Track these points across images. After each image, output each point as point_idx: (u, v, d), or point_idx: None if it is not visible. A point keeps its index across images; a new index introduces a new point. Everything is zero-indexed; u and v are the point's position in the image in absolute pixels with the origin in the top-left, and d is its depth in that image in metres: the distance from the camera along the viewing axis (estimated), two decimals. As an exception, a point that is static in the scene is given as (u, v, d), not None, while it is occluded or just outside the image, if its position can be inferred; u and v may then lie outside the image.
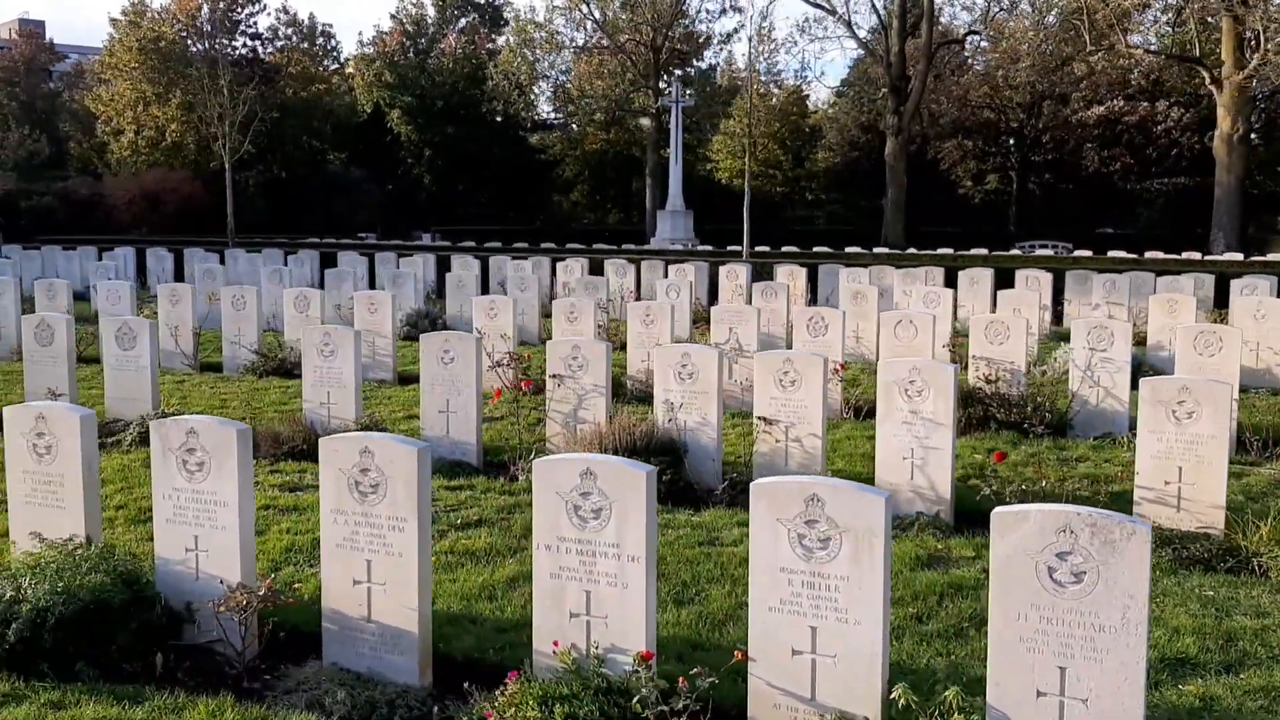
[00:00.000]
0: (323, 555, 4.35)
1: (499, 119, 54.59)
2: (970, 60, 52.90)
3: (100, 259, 20.99)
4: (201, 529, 4.52)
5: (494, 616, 4.84)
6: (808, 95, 65.72)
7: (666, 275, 17.79)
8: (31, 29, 64.92)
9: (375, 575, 4.23)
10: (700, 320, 14.09)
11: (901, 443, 6.37)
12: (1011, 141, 57.06)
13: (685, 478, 6.85)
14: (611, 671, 3.82)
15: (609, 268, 18.10)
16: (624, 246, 37.63)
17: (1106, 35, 39.97)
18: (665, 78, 50.58)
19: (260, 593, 4.24)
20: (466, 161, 51.94)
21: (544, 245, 33.39)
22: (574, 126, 57.27)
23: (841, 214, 60.76)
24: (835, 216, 60.30)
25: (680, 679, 3.55)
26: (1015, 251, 33.22)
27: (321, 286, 17.23)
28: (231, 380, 11.20)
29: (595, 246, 35.29)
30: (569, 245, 34.39)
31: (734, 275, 16.91)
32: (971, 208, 58.70)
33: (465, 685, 3.96)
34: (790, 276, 16.38)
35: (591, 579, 3.86)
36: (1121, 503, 6.17)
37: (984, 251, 31.94)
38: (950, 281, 16.59)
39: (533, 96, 55.97)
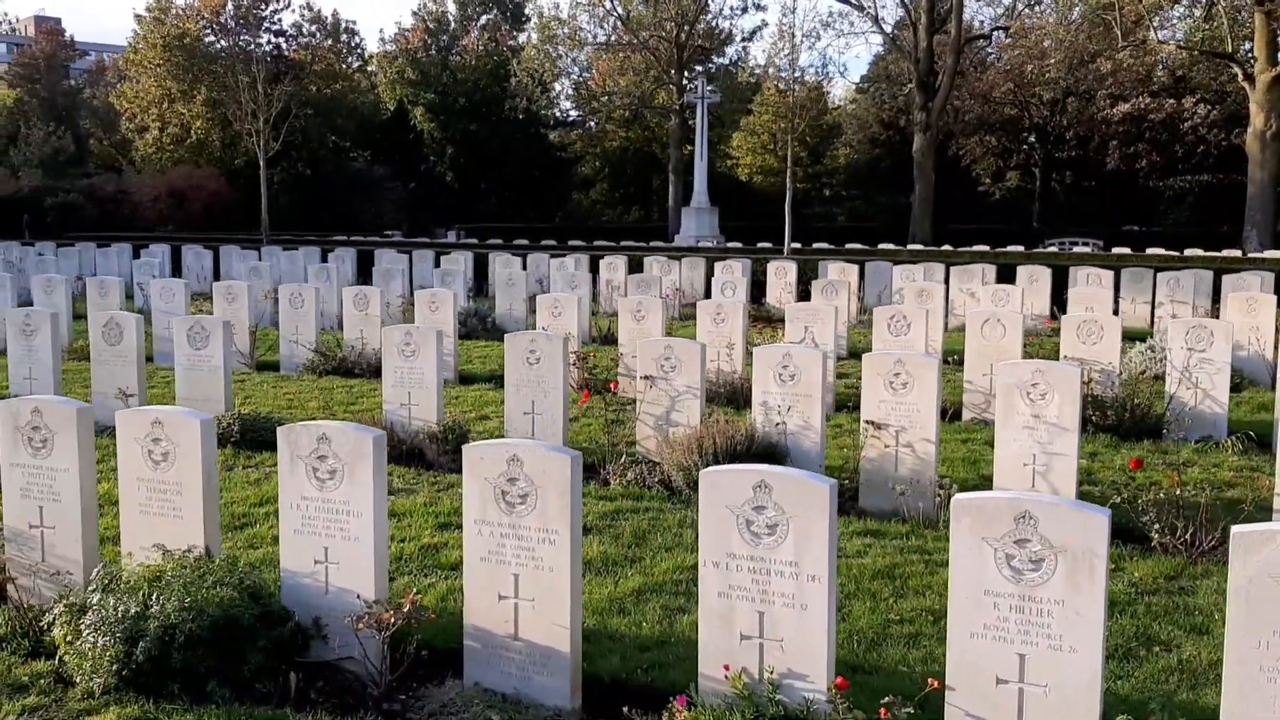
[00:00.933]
0: (465, 569, 4.13)
1: (520, 116, 54.40)
2: (994, 57, 52.41)
3: (137, 256, 20.86)
4: (332, 540, 4.31)
5: (631, 633, 4.61)
6: (828, 91, 65.43)
7: (713, 272, 17.54)
8: (51, 25, 64.97)
9: (523, 590, 4.01)
10: (758, 319, 13.85)
11: (1022, 448, 6.12)
12: (1034, 138, 56.56)
13: (787, 483, 6.60)
14: (788, 699, 3.59)
15: (653, 265, 17.86)
16: (652, 244, 37.42)
17: (1134, 31, 39.54)
18: (688, 74, 50.30)
19: (404, 609, 4.02)
20: (488, 159, 51.77)
21: (572, 243, 33.16)
22: (594, 124, 57.08)
23: (862, 210, 60.40)
24: (856, 213, 59.91)
25: (881, 710, 3.32)
26: (1054, 248, 32.83)
27: (368, 284, 17.06)
28: (291, 379, 11.00)
29: (623, 244, 35.09)
30: (597, 243, 34.17)
31: (782, 272, 16.66)
32: (990, 205, 58.27)
33: (625, 710, 3.74)
34: (842, 274, 16.11)
35: (765, 599, 3.63)
36: (1252, 513, 5.91)
37: (1021, 248, 31.58)
38: (1003, 278, 16.31)
39: (554, 93, 55.81)
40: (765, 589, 3.63)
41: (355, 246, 22.88)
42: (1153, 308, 14.90)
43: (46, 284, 12.51)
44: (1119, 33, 37.66)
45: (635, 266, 18.79)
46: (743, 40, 55.37)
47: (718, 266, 17.24)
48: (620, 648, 4.44)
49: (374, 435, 4.24)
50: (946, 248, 29.71)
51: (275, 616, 4.32)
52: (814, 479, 3.58)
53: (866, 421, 6.54)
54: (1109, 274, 15.16)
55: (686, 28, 48.69)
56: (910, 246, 31.11)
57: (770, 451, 6.70)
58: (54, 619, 4.32)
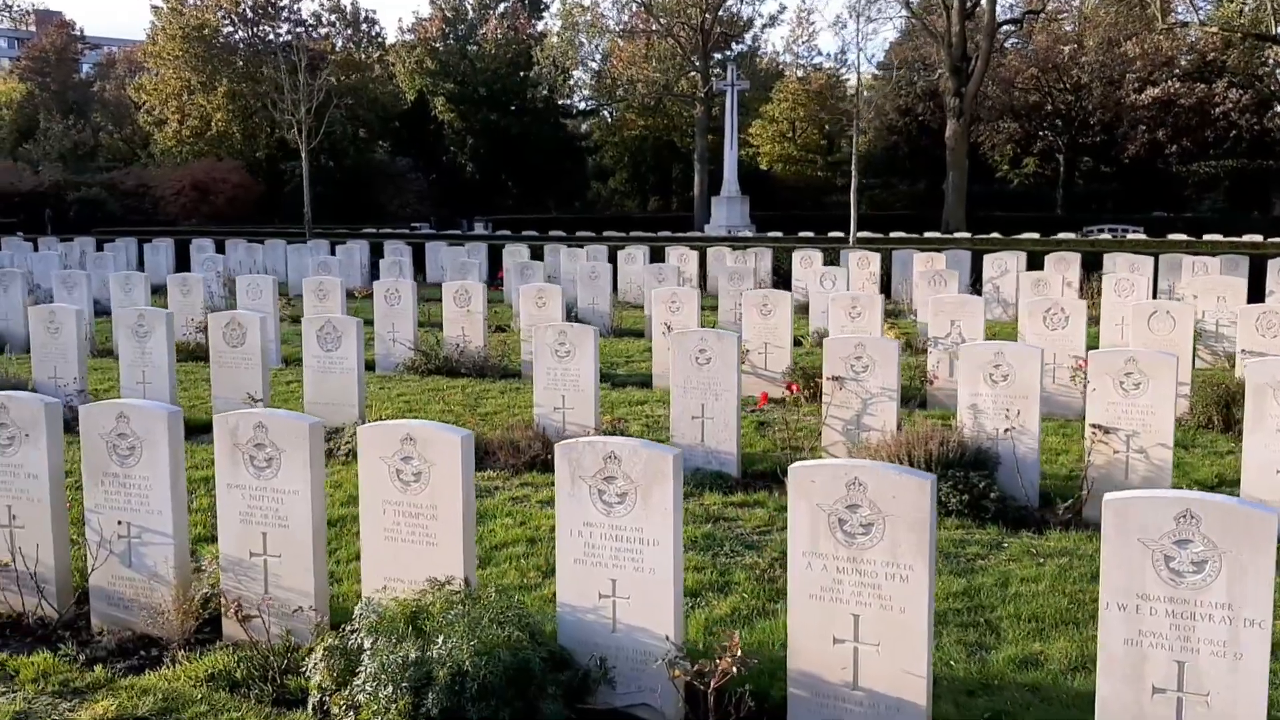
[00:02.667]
0: (791, 606, 3.64)
1: (540, 105, 53.78)
2: (1017, 44, 51.74)
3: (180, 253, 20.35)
4: (621, 571, 3.83)
5: (944, 673, 4.13)
6: (847, 79, 64.82)
7: (788, 263, 17.06)
8: (60, 19, 64.27)
9: (865, 633, 3.53)
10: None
11: (1276, 455, 5.64)
12: (1059, 123, 55.92)
13: (1000, 492, 6.13)
14: (1217, 760, 3.11)
15: (731, 258, 17.35)
16: (686, 234, 36.87)
17: (1170, 11, 38.97)
18: (711, 61, 49.68)
19: (730, 655, 3.53)
20: (508, 149, 51.19)
21: (606, 234, 32.66)
22: (612, 112, 56.48)
23: (882, 198, 59.79)
24: (876, 201, 59.32)
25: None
26: (1105, 235, 32.26)
27: (423, 277, 16.58)
28: (395, 380, 10.50)
29: (660, 234, 34.53)
30: (633, 234, 33.65)
31: (865, 262, 16.16)
32: (1007, 192, 57.69)
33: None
34: (928, 264, 15.61)
35: (1188, 647, 3.15)
36: None
37: (1071, 235, 31.04)
38: (1087, 267, 15.81)
39: (575, 81, 55.23)
40: (1187, 636, 3.14)
41: (405, 240, 22.37)
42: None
43: (125, 281, 12.02)
44: (1158, 14, 37.09)
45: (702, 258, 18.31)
46: (764, 26, 54.63)
47: (796, 257, 16.73)
48: (940, 690, 3.96)
49: (673, 454, 3.76)
50: (990, 235, 29.05)
51: (560, 660, 3.85)
52: (1252, 508, 3.10)
53: (1093, 426, 6.05)
54: (1215, 261, 14.59)
55: (710, 14, 48.06)
56: (957, 234, 30.57)
57: (982, 459, 6.22)
58: (314, 663, 3.84)
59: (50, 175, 39.50)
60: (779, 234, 33.43)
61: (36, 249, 21.56)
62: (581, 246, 20.05)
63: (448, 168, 51.36)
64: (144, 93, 44.25)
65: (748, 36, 54.52)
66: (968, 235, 26.57)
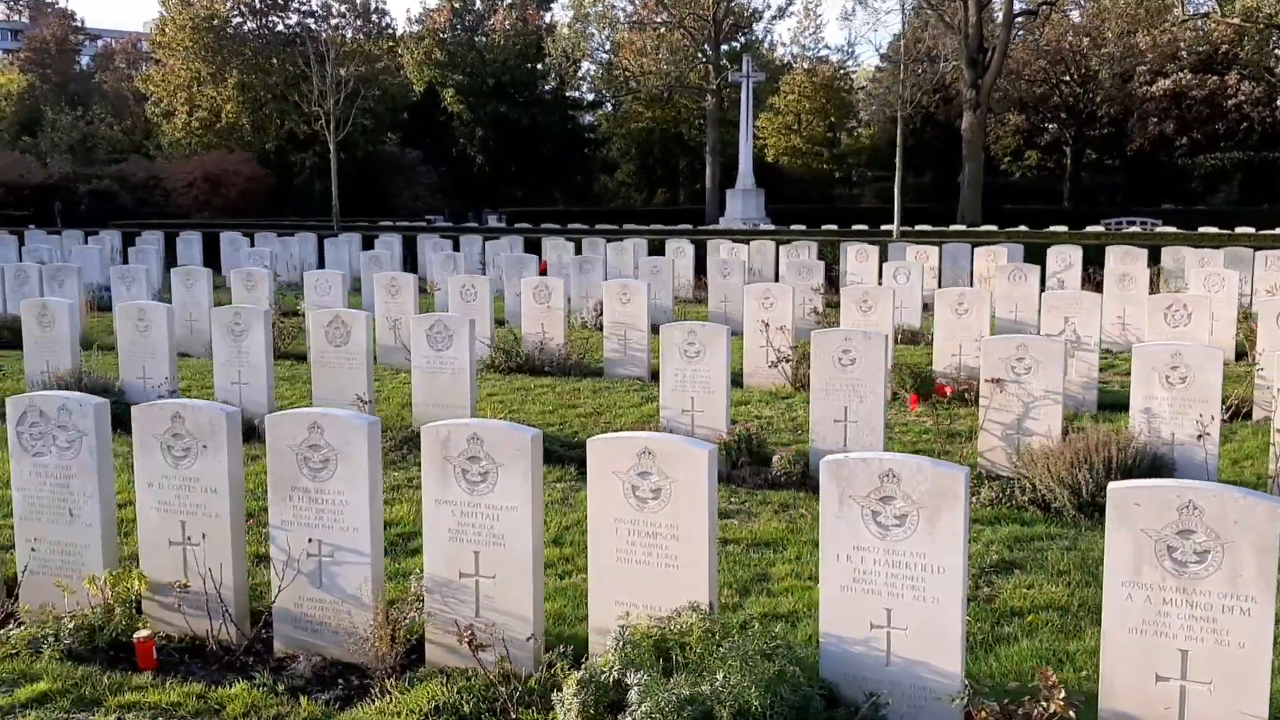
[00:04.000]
0: (1106, 640, 3.34)
1: (549, 97, 53.34)
2: (1035, 34, 51.47)
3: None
4: (898, 600, 3.52)
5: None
6: (853, 71, 64.59)
7: (840, 258, 16.77)
8: (62, 9, 63.49)
9: (1194, 671, 3.23)
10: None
11: None
12: (1065, 115, 55.66)
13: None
14: None
15: (785, 251, 17.03)
16: (717, 227, 36.56)
17: (1187, 1, 38.74)
18: (720, 53, 49.27)
19: (1056, 701, 3.22)
20: (518, 141, 50.75)
21: (627, 227, 32.33)
22: (612, 104, 56.02)
23: (888, 191, 59.42)
24: (883, 194, 59.01)
25: None
26: (1136, 228, 32.03)
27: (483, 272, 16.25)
28: (478, 379, 10.15)
29: (679, 226, 34.22)
30: (653, 226, 33.35)
31: (923, 256, 15.87)
32: (1010, 185, 57.52)
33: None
34: (990, 257, 15.32)
35: None
36: None
37: (1100, 229, 30.79)
38: (1154, 260, 15.57)
39: (584, 73, 54.82)
40: None
41: (440, 233, 21.98)
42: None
43: (186, 276, 11.65)
44: (1179, 3, 36.88)
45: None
46: (772, 18, 54.24)
47: (850, 250, 16.43)
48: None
49: (963, 472, 3.45)
50: (1064, 228, 28.59)
51: (830, 696, 3.55)
52: None
53: (1283, 431, 5.77)
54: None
55: (722, 4, 47.66)
56: (985, 227, 30.33)
57: (1158, 466, 5.94)
58: (567, 699, 3.52)
59: (59, 168, 38.95)
60: (802, 226, 33.15)
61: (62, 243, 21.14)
62: (622, 240, 19.70)
63: (457, 160, 50.93)
64: (152, 84, 43.67)
65: (757, 28, 54.14)
66: (1022, 229, 26.16)
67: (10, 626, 4.45)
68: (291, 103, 42.29)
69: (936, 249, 16.29)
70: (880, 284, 13.12)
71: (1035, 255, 16.51)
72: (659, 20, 48.37)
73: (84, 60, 64.83)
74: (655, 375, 10.37)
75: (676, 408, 7.15)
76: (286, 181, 43.20)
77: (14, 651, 4.22)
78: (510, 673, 3.93)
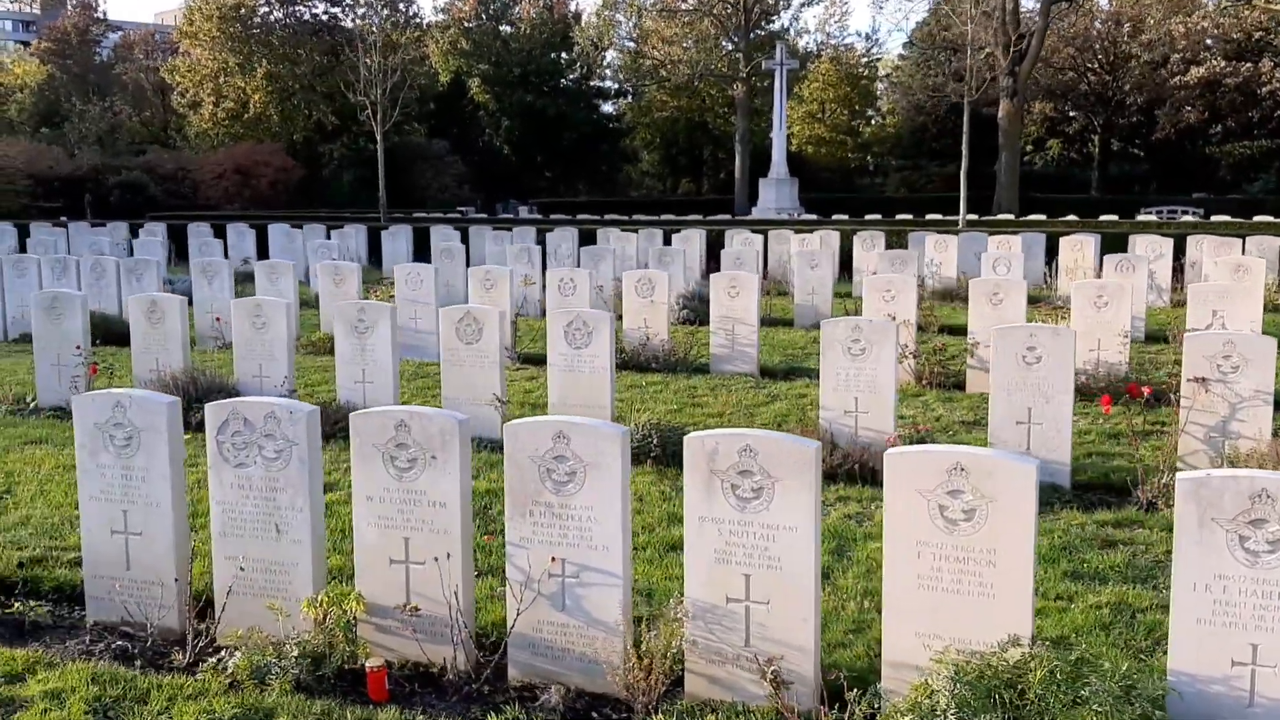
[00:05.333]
0: None
1: (575, 86, 52.90)
2: (1069, 20, 50.81)
3: (220, 236, 19.59)
4: (1268, 634, 3.16)
5: None
6: (879, 58, 64.06)
7: (912, 248, 16.37)
8: (85, 0, 63.08)
9: None
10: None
11: None
12: (1093, 103, 55.03)
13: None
14: None
15: (857, 241, 16.64)
16: (752, 218, 36.12)
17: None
18: (749, 40, 48.74)
19: None
20: (544, 130, 50.34)
21: (666, 217, 31.93)
22: (632, 93, 55.53)
23: (913, 180, 59.03)
24: (907, 183, 58.55)
25: None
26: (1189, 217, 31.48)
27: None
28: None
29: (713, 218, 33.83)
30: (689, 217, 32.92)
31: (1005, 244, 15.46)
32: (1034, 174, 56.98)
33: None
34: (1079, 248, 14.90)
35: None
36: None
37: (1153, 217, 30.32)
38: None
39: (610, 61, 54.36)
40: None
41: (491, 225, 21.60)
42: None
43: (271, 271, 11.32)
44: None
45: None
46: (802, 4, 53.58)
47: (929, 242, 16.02)
48: None
49: (1344, 492, 3.09)
50: (1112, 217, 28.12)
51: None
52: None
53: None
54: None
55: (755, -8, 47.13)
56: (1030, 217, 29.87)
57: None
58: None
59: (88, 159, 38.63)
60: (844, 215, 32.68)
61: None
62: (679, 230, 19.33)
63: (483, 150, 50.53)
64: (178, 75, 43.33)
65: (786, 15, 53.56)
66: (1102, 219, 25.65)
67: (222, 653, 4.10)
68: (320, 93, 42.01)
69: (1018, 238, 15.87)
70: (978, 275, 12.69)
71: (1115, 245, 16.11)
72: (687, 7, 47.88)
73: (104, 52, 64.52)
74: (764, 372, 10.10)
75: (838, 409, 6.79)
76: (315, 173, 42.87)
77: (235, 680, 3.89)
78: (788, 708, 3.59)
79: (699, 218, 31.34)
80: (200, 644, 4.20)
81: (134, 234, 21.59)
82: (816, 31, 58.79)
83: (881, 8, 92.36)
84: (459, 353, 7.52)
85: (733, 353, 10.01)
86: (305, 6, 43.47)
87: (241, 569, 4.23)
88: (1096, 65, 53.66)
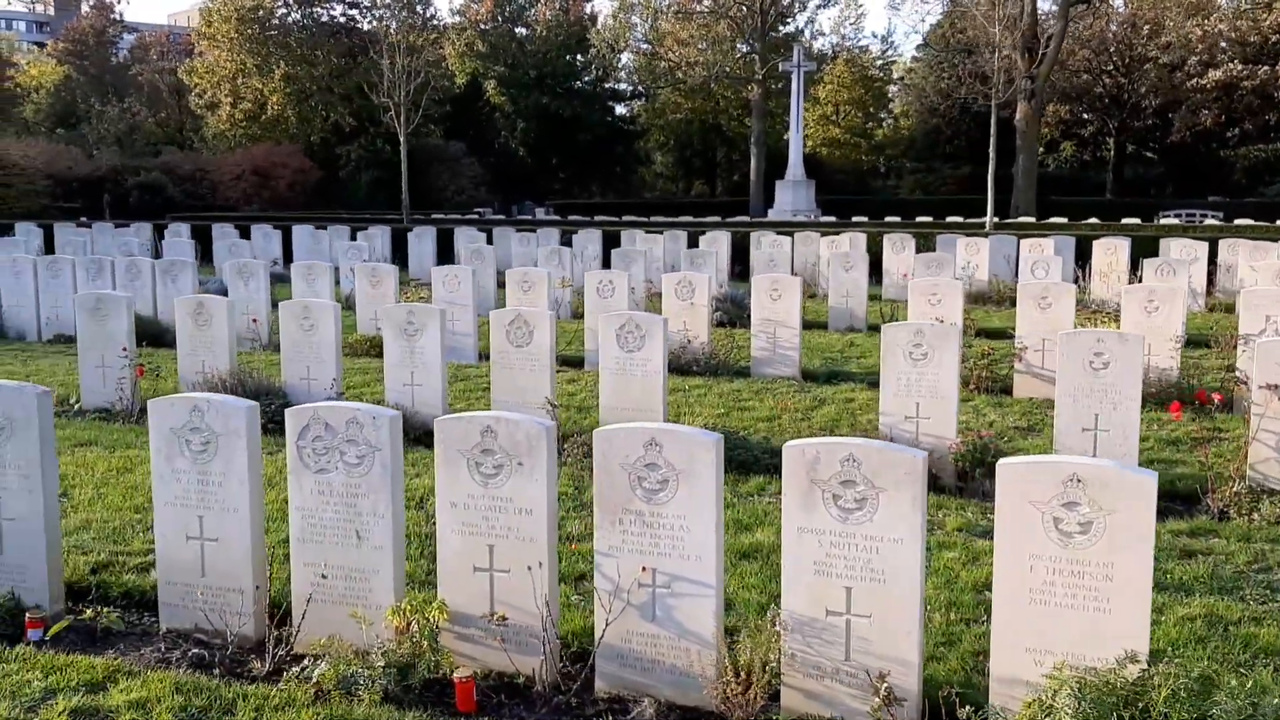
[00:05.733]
0: None
1: (590, 88, 52.86)
2: (1085, 22, 50.60)
3: (246, 236, 19.54)
4: (1400, 652, 3.08)
5: None
6: (893, 60, 63.98)
7: (941, 250, 16.25)
8: (103, 1, 63.25)
9: None
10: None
11: None
12: (1107, 105, 54.81)
13: None
14: None
15: (887, 243, 16.52)
16: (756, 219, 36.04)
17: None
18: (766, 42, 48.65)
19: None
20: (559, 132, 50.31)
21: (684, 219, 31.84)
22: (658, 95, 55.46)
23: (927, 182, 58.86)
24: (921, 185, 58.36)
25: None
26: (1211, 220, 31.29)
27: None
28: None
29: (738, 219, 33.75)
30: (708, 219, 32.82)
31: (1038, 247, 15.35)
32: (1047, 176, 56.75)
33: None
34: (1112, 251, 14.77)
35: None
36: None
37: (1176, 221, 30.14)
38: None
39: (626, 63, 54.32)
40: None
41: (515, 227, 21.54)
42: None
43: (308, 271, 11.27)
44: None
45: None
46: (817, 7, 53.47)
47: (961, 244, 15.92)
48: None
49: None
50: (1134, 220, 27.92)
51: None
52: None
53: None
54: None
55: (771, -7, 47.02)
56: (1051, 220, 29.72)
57: None
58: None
59: (106, 160, 38.70)
60: (864, 218, 32.53)
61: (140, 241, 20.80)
62: (704, 232, 19.24)
63: (499, 152, 50.53)
64: (196, 76, 43.40)
65: (801, 17, 53.46)
66: (1125, 222, 25.52)
67: (305, 662, 4.03)
68: (337, 95, 42.04)
69: (1050, 241, 15.75)
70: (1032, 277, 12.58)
71: (1146, 249, 15.99)
72: (703, 9, 47.80)
73: (120, 52, 64.71)
74: (807, 375, 10.02)
75: (898, 414, 6.70)
76: (332, 174, 42.90)
77: (321, 690, 3.82)
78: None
79: (718, 219, 31.27)
80: (279, 652, 4.14)
81: (158, 235, 21.58)
82: (831, 34, 58.50)
83: (898, 9, 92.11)
84: (509, 356, 7.45)
85: (774, 356, 9.93)
86: (323, 8, 43.53)
87: (324, 576, 4.16)
88: (1112, 68, 53.47)
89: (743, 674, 3.69)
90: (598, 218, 33.51)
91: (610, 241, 20.24)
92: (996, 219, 28.51)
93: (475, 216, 35.24)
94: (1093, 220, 29.03)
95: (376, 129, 43.02)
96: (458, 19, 51.07)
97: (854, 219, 31.54)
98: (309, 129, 42.86)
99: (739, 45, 48.85)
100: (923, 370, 6.63)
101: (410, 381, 7.68)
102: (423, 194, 43.13)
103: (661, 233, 20.07)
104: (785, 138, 56.77)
